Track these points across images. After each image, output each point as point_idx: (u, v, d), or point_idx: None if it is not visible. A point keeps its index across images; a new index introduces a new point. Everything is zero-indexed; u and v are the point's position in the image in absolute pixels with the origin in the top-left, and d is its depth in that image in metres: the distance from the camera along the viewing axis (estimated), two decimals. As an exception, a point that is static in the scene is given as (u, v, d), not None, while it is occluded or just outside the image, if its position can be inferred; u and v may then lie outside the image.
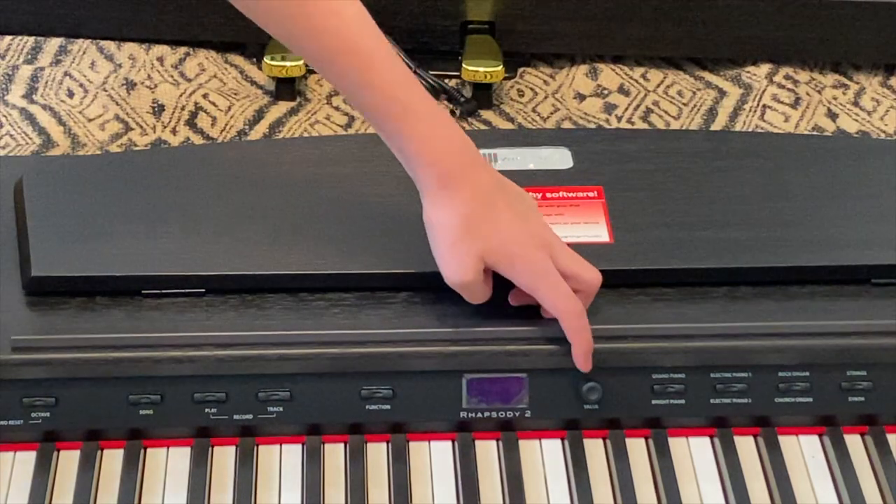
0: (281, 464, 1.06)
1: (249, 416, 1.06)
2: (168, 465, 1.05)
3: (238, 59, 1.50)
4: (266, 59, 1.44)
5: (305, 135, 1.41)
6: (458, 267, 1.03)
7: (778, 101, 1.45)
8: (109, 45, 1.49)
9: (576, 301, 1.04)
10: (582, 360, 1.05)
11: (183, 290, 1.08)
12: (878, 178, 1.19)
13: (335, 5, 1.03)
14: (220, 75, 1.48)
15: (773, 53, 1.49)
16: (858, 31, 1.48)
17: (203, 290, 1.08)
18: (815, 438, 1.08)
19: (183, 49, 1.49)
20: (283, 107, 1.45)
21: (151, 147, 1.36)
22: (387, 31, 1.45)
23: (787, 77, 1.48)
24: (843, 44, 1.48)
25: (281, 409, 1.06)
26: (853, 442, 1.08)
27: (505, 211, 1.04)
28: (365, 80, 1.02)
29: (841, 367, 1.07)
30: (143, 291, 1.08)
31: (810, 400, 1.08)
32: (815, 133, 1.42)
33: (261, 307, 1.08)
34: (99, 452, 1.06)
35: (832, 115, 1.45)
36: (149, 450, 1.06)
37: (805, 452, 1.07)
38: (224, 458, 1.06)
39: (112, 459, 1.05)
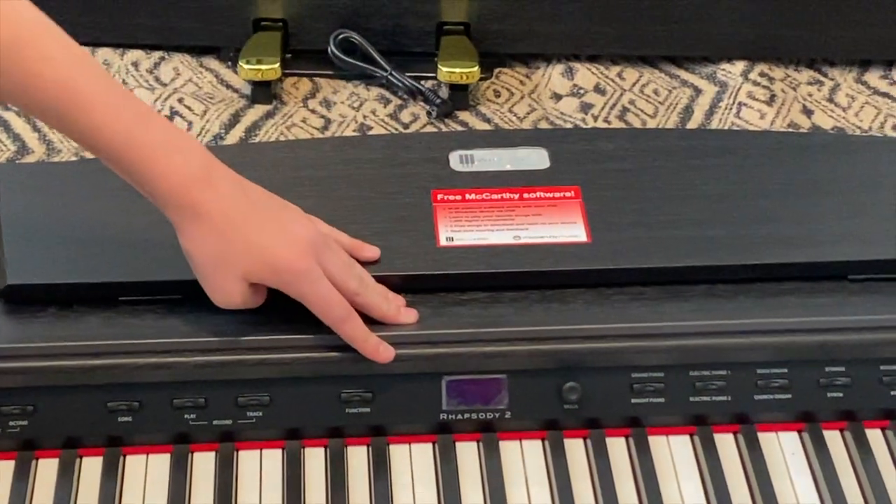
0: (261, 469, 1.06)
1: (229, 422, 1.06)
2: (148, 472, 1.05)
3: (213, 63, 1.50)
4: (241, 63, 1.44)
5: (282, 138, 1.40)
6: (223, 295, 1.02)
7: (753, 99, 1.46)
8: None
9: (342, 305, 1.02)
10: (375, 358, 1.04)
11: (160, 297, 1.07)
12: (853, 175, 1.20)
13: (47, 50, 0.96)
14: (195, 79, 1.47)
15: (748, 51, 1.49)
16: (832, 28, 1.48)
17: (180, 296, 1.07)
18: (794, 435, 1.09)
19: (158, 54, 1.49)
20: (259, 110, 1.44)
21: (127, 152, 1.35)
22: (362, 33, 1.47)
23: (762, 74, 1.48)
24: (817, 40, 1.49)
25: (260, 413, 1.06)
26: (832, 438, 1.08)
27: (260, 225, 1.01)
28: (94, 123, 0.97)
29: (819, 363, 1.08)
30: (121, 298, 1.08)
31: (789, 396, 1.08)
32: (790, 130, 1.42)
33: (239, 312, 1.07)
34: (78, 460, 1.05)
35: (807, 112, 1.46)
36: (128, 457, 1.06)
37: (784, 449, 1.08)
38: (204, 464, 1.05)
39: (91, 467, 1.05)
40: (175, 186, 0.98)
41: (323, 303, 1.03)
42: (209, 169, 1.00)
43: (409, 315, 1.07)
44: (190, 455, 1.06)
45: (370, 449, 1.07)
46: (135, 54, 1.49)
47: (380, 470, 1.05)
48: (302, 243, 1.02)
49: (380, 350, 1.04)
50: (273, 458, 1.06)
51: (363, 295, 1.05)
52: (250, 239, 1.00)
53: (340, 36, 1.47)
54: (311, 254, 1.02)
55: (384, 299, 1.07)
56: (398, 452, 1.07)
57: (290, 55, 1.48)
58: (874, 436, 1.08)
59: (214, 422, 1.06)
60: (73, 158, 1.34)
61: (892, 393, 1.08)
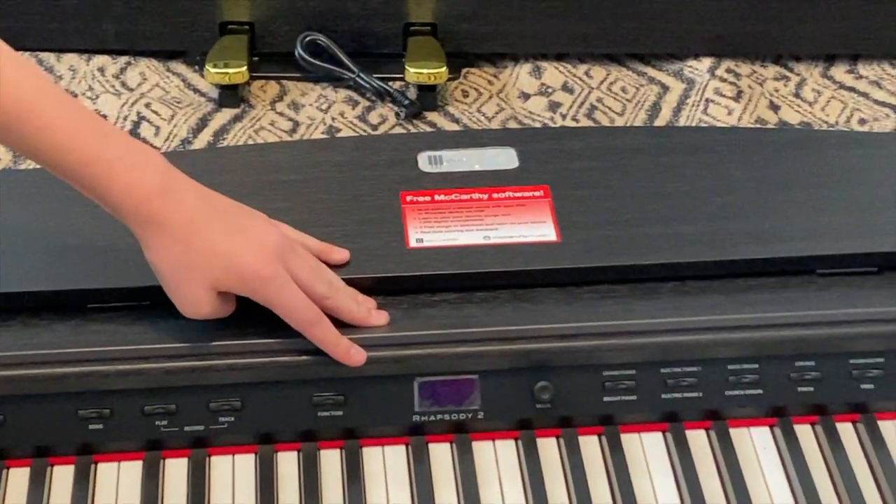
0: (234, 474, 1.05)
1: (201, 428, 1.06)
2: (120, 480, 1.05)
3: (180, 67, 1.49)
4: (208, 67, 1.43)
5: (250, 142, 1.40)
6: (191, 306, 1.02)
7: (720, 95, 1.46)
8: (49, 57, 1.48)
9: (310, 309, 1.02)
10: (346, 361, 1.04)
11: (129, 303, 1.07)
12: (820, 169, 1.20)
13: (2, 72, 0.95)
14: (162, 84, 1.47)
15: (714, 47, 1.50)
16: (798, 23, 1.49)
17: (149, 302, 1.07)
18: (765, 430, 1.09)
19: (124, 59, 1.49)
20: (226, 114, 1.44)
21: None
22: (329, 35, 1.46)
23: (728, 70, 1.48)
24: (783, 36, 1.49)
25: (232, 418, 1.06)
26: (803, 432, 1.08)
27: (224, 233, 1.00)
28: (53, 142, 0.96)
29: (789, 358, 1.08)
30: (89, 305, 1.07)
31: (760, 392, 1.08)
32: (757, 125, 1.43)
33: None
34: (49, 469, 1.05)
35: (774, 107, 1.46)
36: (100, 465, 1.05)
37: (756, 444, 1.08)
38: (176, 470, 1.05)
39: (62, 476, 1.04)
40: (136, 200, 0.98)
41: (291, 308, 1.02)
42: (170, 180, 1.00)
43: (380, 317, 1.07)
44: (162, 462, 1.05)
45: (343, 452, 1.07)
46: (101, 60, 1.48)
47: (353, 473, 1.05)
48: (268, 249, 1.01)
49: (351, 353, 1.04)
50: (246, 463, 1.06)
51: (332, 298, 1.04)
52: (215, 248, 1.00)
53: (307, 38, 1.47)
54: (277, 259, 1.02)
55: (354, 302, 1.06)
56: (371, 455, 1.07)
57: (257, 58, 1.48)
58: (845, 429, 1.09)
59: (186, 428, 1.05)
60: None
61: (863, 386, 1.09)
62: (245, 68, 1.43)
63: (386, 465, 1.06)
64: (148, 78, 1.47)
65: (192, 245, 0.99)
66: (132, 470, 1.05)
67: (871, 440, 1.07)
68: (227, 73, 1.43)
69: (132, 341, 1.05)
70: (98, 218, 1.08)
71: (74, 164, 0.97)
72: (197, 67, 1.48)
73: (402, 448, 1.07)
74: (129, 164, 0.98)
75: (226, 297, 1.03)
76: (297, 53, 1.46)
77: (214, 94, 1.45)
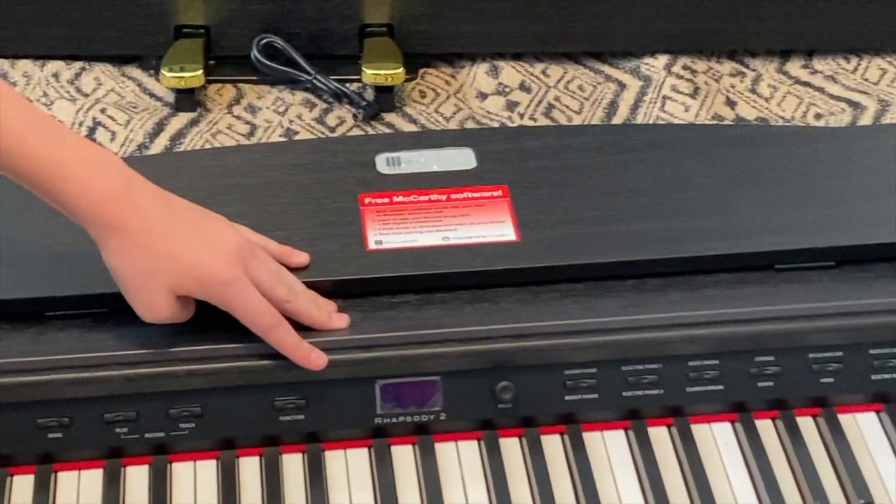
0: (195, 480, 1.05)
1: (161, 434, 1.05)
2: (80, 489, 1.04)
3: (135, 72, 1.48)
4: (164, 71, 1.42)
5: (207, 146, 1.40)
6: (150, 310, 1.01)
7: (677, 92, 1.47)
8: (3, 63, 1.47)
9: (270, 314, 1.02)
10: (306, 365, 1.03)
11: (86, 311, 1.06)
12: (777, 165, 1.21)
13: None
14: (117, 89, 1.46)
15: (670, 44, 1.50)
16: (753, 19, 1.49)
17: (107, 310, 1.06)
18: (727, 425, 1.09)
19: (78, 64, 1.48)
20: (183, 118, 1.43)
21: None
22: (285, 37, 1.46)
23: (685, 67, 1.49)
24: (738, 32, 1.50)
25: (193, 424, 1.05)
26: (764, 427, 1.09)
27: (183, 237, 1.00)
28: (7, 145, 0.96)
29: (749, 353, 1.08)
30: (46, 313, 1.06)
31: (721, 388, 1.08)
32: (714, 122, 1.43)
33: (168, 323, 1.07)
34: (9, 479, 1.04)
35: (731, 103, 1.47)
36: (60, 474, 1.05)
37: (718, 440, 1.08)
38: (137, 477, 1.05)
39: (22, 486, 1.04)
40: (94, 203, 0.98)
41: (251, 312, 1.02)
42: (128, 183, 0.99)
43: (341, 320, 1.07)
44: (123, 469, 1.05)
45: (305, 456, 1.06)
46: (55, 65, 1.47)
47: (315, 477, 1.05)
48: (227, 253, 1.01)
49: (311, 357, 1.04)
50: (207, 469, 1.05)
51: (293, 302, 1.04)
52: (174, 251, 0.99)
53: (263, 41, 1.46)
54: (237, 263, 1.01)
55: (315, 305, 1.06)
56: (334, 458, 1.06)
57: (212, 62, 1.47)
58: (805, 423, 1.09)
59: (146, 435, 1.05)
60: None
61: (822, 380, 1.09)
62: (201, 72, 1.42)
63: (348, 468, 1.06)
64: (103, 83, 1.46)
65: (150, 249, 0.99)
66: (92, 478, 1.04)
67: (831, 434, 1.08)
68: (182, 77, 1.42)
69: (90, 349, 1.04)
70: (53, 225, 1.07)
71: (31, 167, 0.97)
72: (152, 72, 1.48)
73: (365, 451, 1.07)
74: (85, 166, 0.98)
75: (185, 301, 1.02)
76: (253, 56, 1.46)
77: (170, 98, 1.45)
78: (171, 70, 1.42)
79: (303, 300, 1.05)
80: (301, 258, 1.09)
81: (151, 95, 1.46)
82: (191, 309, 1.03)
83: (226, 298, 1.01)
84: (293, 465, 1.06)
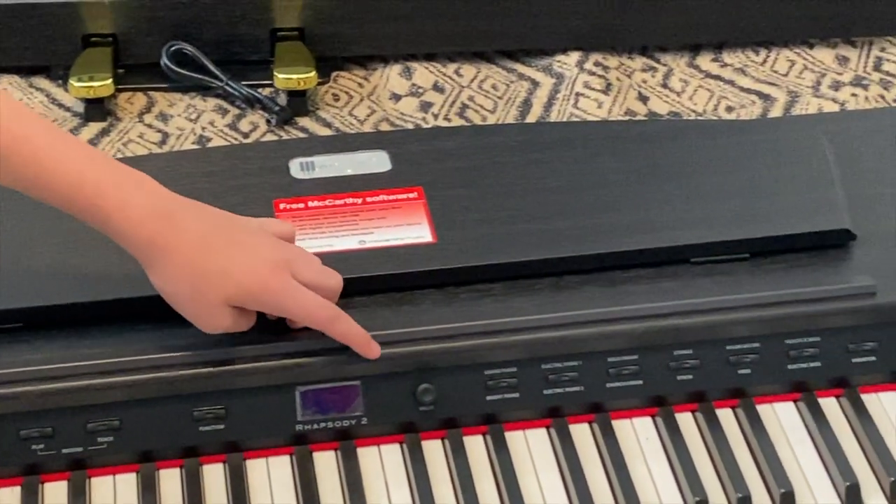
0: (115, 494, 1.04)
1: (79, 449, 1.04)
2: (-2, 507, 1.03)
3: (43, 83, 1.47)
4: (72, 81, 1.41)
5: (119, 155, 1.38)
6: (210, 323, 1.02)
7: (590, 88, 1.47)
8: None
9: (328, 307, 1.03)
10: (366, 353, 1.05)
11: (1, 326, 1.05)
12: (690, 159, 1.21)
13: None
14: (26, 100, 1.44)
15: (582, 41, 1.51)
16: (662, 14, 1.50)
17: (21, 324, 1.05)
18: (647, 420, 1.10)
19: (-15, 75, 1.46)
20: (94, 128, 1.42)
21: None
22: (195, 44, 1.45)
23: (596, 64, 1.50)
24: (648, 27, 1.51)
25: (111, 438, 1.04)
26: (685, 420, 1.10)
27: (228, 249, 1.01)
28: (45, 170, 0.97)
29: (668, 347, 1.09)
30: (-41, 330, 1.05)
31: (640, 382, 1.09)
32: (628, 117, 1.44)
33: (82, 337, 1.05)
34: (-76, 500, 1.02)
35: (643, 99, 1.47)
36: (-23, 493, 1.03)
37: (639, 435, 1.09)
38: (56, 494, 1.03)
39: (-62, 506, 1.02)
40: (137, 222, 0.98)
41: (307, 310, 1.02)
42: (166, 201, 1.00)
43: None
44: (40, 486, 1.03)
45: (226, 466, 1.05)
46: (-39, 77, 1.45)
47: (237, 486, 1.04)
48: (271, 261, 1.02)
49: (372, 346, 1.04)
50: (127, 483, 1.04)
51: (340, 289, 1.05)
52: (221, 266, 1.00)
53: (173, 48, 1.45)
54: (282, 268, 1.02)
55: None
56: (255, 467, 1.06)
57: (122, 70, 1.46)
58: (725, 415, 1.10)
59: (64, 450, 1.03)
60: None
61: (740, 372, 1.10)
62: (110, 81, 1.41)
63: (270, 476, 1.05)
64: (11, 94, 1.44)
65: (197, 268, 1.00)
66: (10, 496, 1.03)
67: (750, 424, 1.09)
68: (91, 87, 1.41)
69: (4, 364, 1.03)
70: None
71: (67, 188, 0.98)
72: (60, 82, 1.46)
73: (287, 458, 1.06)
74: (123, 185, 0.99)
75: (242, 310, 1.02)
76: (162, 63, 1.45)
77: (80, 108, 1.43)
78: (79, 80, 1.41)
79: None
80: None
81: (60, 106, 1.44)
82: (252, 317, 1.03)
83: (279, 304, 1.02)
84: (214, 475, 1.05)
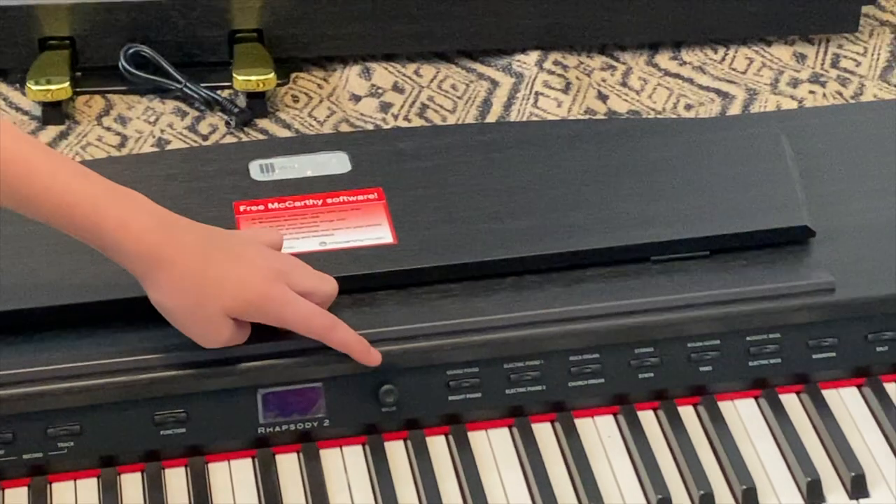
0: (76, 500, 1.03)
1: (39, 455, 1.03)
2: (-43, 515, 1.02)
3: (0, 86, 1.46)
4: (30, 84, 1.40)
5: (78, 159, 1.37)
6: (208, 337, 1.02)
7: (549, 87, 1.47)
8: None
9: (325, 315, 1.04)
10: (366, 360, 1.04)
11: (-42, 332, 1.04)
12: (650, 157, 1.22)
13: None
14: (-18, 104, 1.43)
15: (540, 40, 1.51)
16: (621, 12, 1.51)
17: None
18: (609, 418, 1.10)
19: (-59, 80, 1.45)
20: (52, 131, 1.41)
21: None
22: (153, 46, 1.44)
23: (556, 63, 1.50)
24: (607, 26, 1.51)
25: (72, 443, 1.04)
26: (646, 418, 1.10)
27: (224, 262, 1.01)
28: (39, 187, 0.98)
29: (629, 345, 1.09)
30: (-84, 337, 1.04)
31: (602, 381, 1.09)
32: (587, 116, 1.44)
33: (41, 342, 1.05)
34: None
35: (602, 97, 1.48)
36: (-65, 500, 1.03)
37: (601, 433, 1.09)
38: (16, 499, 1.03)
39: None
40: (133, 237, 0.98)
41: (305, 319, 1.02)
42: (162, 216, 1.01)
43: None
44: (1, 492, 1.03)
45: (188, 469, 1.05)
46: (-83, 82, 1.44)
47: (199, 490, 1.03)
48: (268, 271, 1.02)
49: (372, 353, 1.04)
50: (89, 488, 1.04)
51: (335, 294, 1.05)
52: (218, 278, 1.00)
53: (131, 50, 1.44)
54: (279, 278, 1.02)
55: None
56: (217, 470, 1.05)
57: (80, 73, 1.45)
58: (686, 412, 1.10)
59: (24, 456, 1.03)
60: None
61: (701, 369, 1.10)
62: (68, 84, 1.40)
63: (233, 479, 1.05)
64: (-33, 99, 1.44)
65: (195, 279, 1.00)
66: (-30, 503, 1.02)
67: (711, 421, 1.09)
68: (49, 90, 1.40)
69: (-37, 371, 1.02)
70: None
71: (64, 206, 0.98)
72: (18, 85, 1.45)
73: (249, 461, 1.06)
74: (119, 202, 0.99)
75: (240, 322, 1.03)
76: (121, 66, 1.44)
77: (38, 111, 1.42)
78: (36, 83, 1.40)
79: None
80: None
81: (18, 109, 1.43)
82: (247, 329, 1.03)
83: (278, 314, 1.02)
84: (176, 479, 1.05)
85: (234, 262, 1.02)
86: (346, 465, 1.06)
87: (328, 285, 1.05)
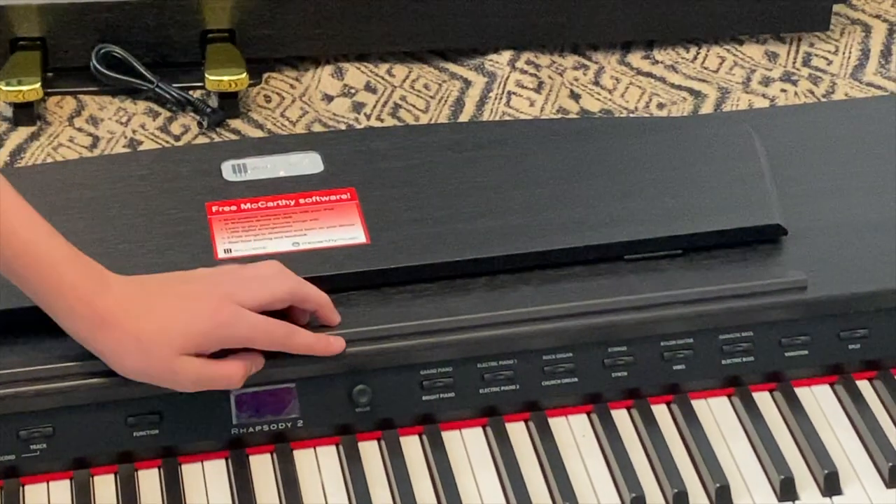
0: (49, 502, 1.03)
1: (12, 457, 1.03)
2: (-71, 518, 1.01)
3: (-29, 88, 1.45)
4: (0, 85, 1.39)
5: (49, 160, 1.37)
6: (176, 380, 1.01)
7: (522, 87, 1.47)
8: None
9: (280, 325, 1.03)
10: (330, 352, 1.05)
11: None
12: (622, 156, 1.22)
13: None
14: (-47, 105, 1.43)
15: (513, 40, 1.51)
16: (594, 12, 1.51)
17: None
18: (583, 417, 1.10)
19: (-90, 82, 1.44)
20: (23, 132, 1.40)
21: None
22: (125, 46, 1.44)
23: (528, 62, 1.50)
24: (580, 25, 1.51)
25: (44, 445, 1.03)
26: (620, 417, 1.10)
27: (167, 308, 1.00)
28: (6, 228, 0.98)
29: (602, 344, 1.09)
30: None
31: (575, 380, 1.09)
32: (560, 115, 1.45)
33: (13, 344, 1.04)
34: None
35: (575, 97, 1.48)
36: None
37: (575, 431, 1.09)
38: (-12, 503, 1.02)
39: None
40: (81, 297, 0.99)
41: (263, 333, 1.02)
42: (102, 275, 1.01)
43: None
44: (-27, 495, 1.03)
45: (161, 471, 1.05)
46: None
47: (172, 491, 1.03)
48: (212, 299, 1.01)
49: (332, 343, 1.04)
50: (62, 490, 1.04)
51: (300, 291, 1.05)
52: (163, 326, 1.00)
53: (102, 51, 1.43)
54: (226, 300, 1.01)
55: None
56: (190, 472, 1.05)
57: (51, 74, 1.44)
58: (660, 411, 1.10)
59: (-4, 459, 1.03)
60: None
61: (675, 367, 1.11)
62: (39, 85, 1.40)
63: (206, 480, 1.05)
64: (-63, 100, 1.43)
65: (139, 329, 0.99)
66: (-58, 507, 1.02)
67: (684, 420, 1.09)
68: (20, 91, 1.39)
69: (-67, 374, 1.02)
70: None
71: (23, 261, 0.98)
72: (-12, 86, 1.44)
73: (222, 462, 1.06)
74: (73, 266, 1.00)
75: (207, 357, 1.02)
76: (92, 66, 1.43)
77: (9, 112, 1.42)
78: (7, 84, 1.39)
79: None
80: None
81: (-11, 110, 1.43)
82: (225, 364, 1.02)
83: (233, 335, 1.01)
84: (149, 480, 1.04)
85: (178, 302, 1.01)
86: (319, 465, 1.06)
87: (282, 286, 1.04)
